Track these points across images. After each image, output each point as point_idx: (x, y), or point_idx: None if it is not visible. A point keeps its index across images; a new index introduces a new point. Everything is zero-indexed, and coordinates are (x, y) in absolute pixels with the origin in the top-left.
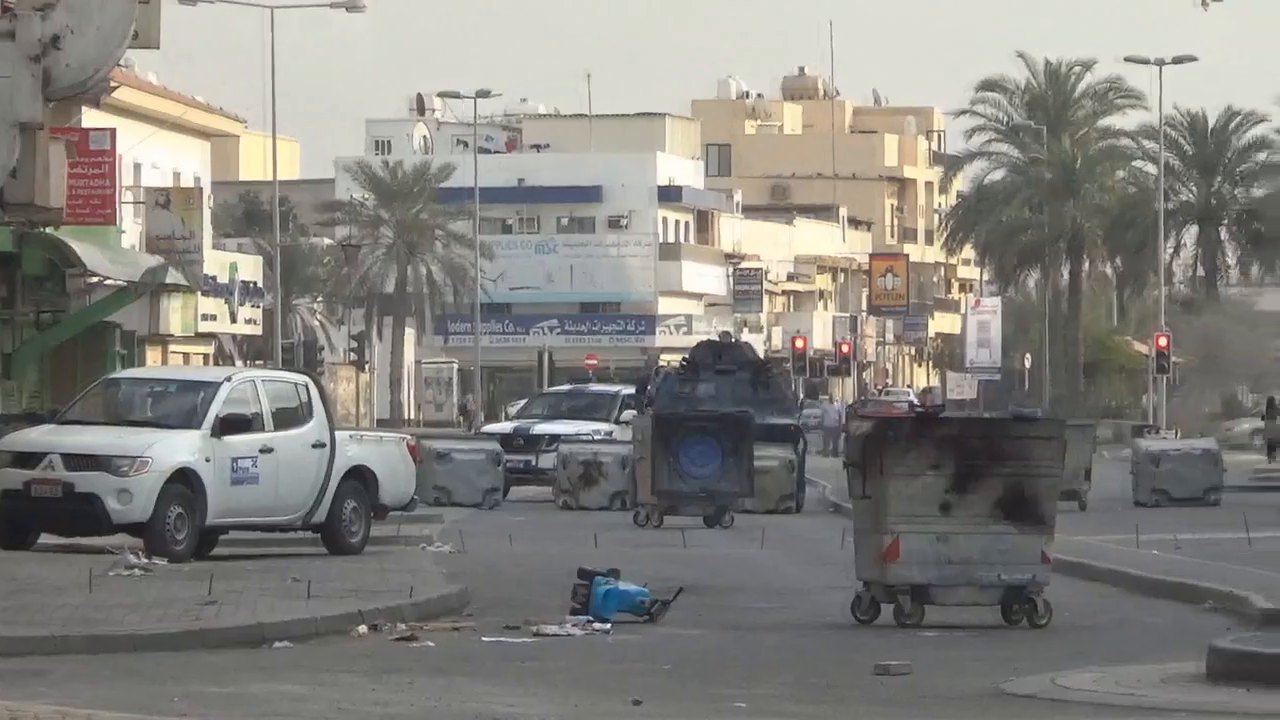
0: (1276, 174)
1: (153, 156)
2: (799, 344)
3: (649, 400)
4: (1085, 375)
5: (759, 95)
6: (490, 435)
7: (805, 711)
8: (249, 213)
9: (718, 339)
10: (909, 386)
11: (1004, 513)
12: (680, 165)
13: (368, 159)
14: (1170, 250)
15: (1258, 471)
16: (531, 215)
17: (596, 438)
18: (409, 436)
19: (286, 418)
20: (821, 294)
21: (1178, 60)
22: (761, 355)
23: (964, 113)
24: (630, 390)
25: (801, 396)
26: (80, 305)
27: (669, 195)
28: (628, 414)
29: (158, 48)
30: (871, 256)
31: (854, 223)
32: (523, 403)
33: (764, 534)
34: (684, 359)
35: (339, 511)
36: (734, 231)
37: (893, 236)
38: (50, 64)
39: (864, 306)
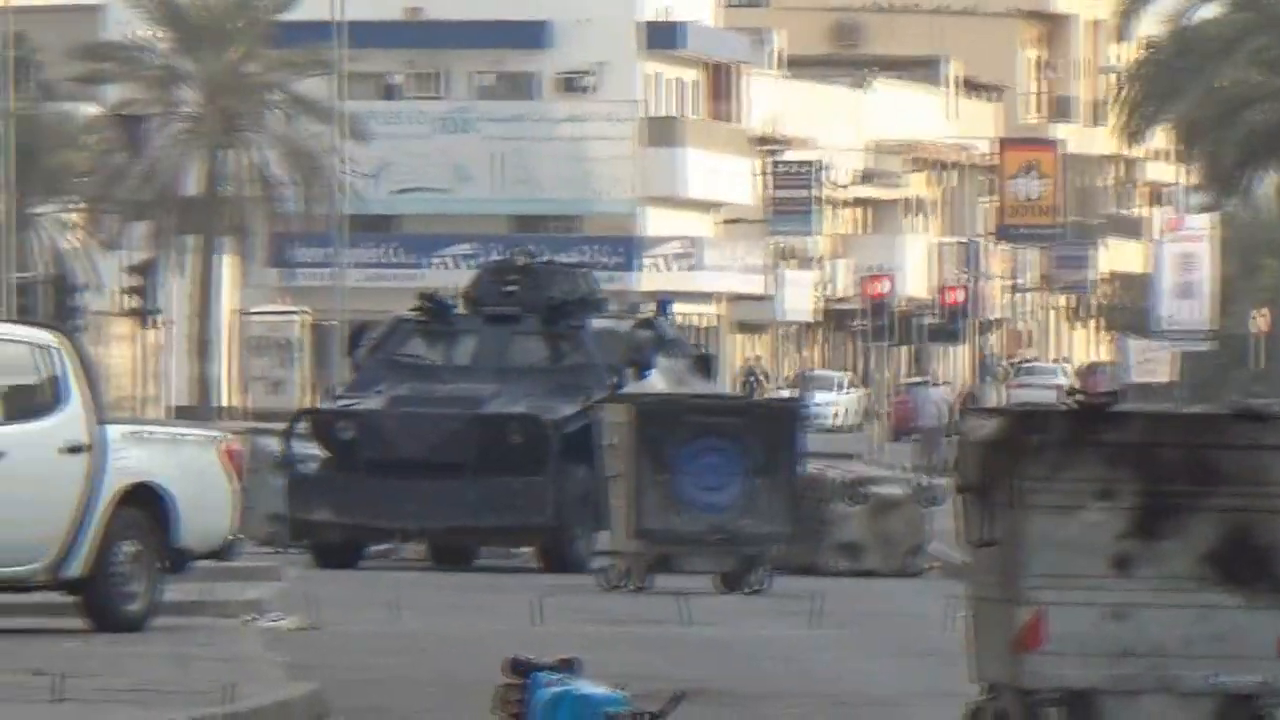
0: None
1: None
2: (879, 289)
3: (355, 370)
4: None
5: None
6: None
7: None
8: None
9: (513, 258)
10: (1062, 360)
11: (1221, 572)
12: None
13: None
14: None
15: None
16: (432, 70)
17: None
18: (227, 435)
19: (21, 404)
20: (918, 206)
21: None
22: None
23: None
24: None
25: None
26: None
27: (662, 39)
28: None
29: None
30: (1002, 144)
31: (972, 88)
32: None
33: (819, 604)
34: (421, 295)
35: (109, 559)
36: (771, 101)
37: (1037, 111)
38: None
39: (988, 228)
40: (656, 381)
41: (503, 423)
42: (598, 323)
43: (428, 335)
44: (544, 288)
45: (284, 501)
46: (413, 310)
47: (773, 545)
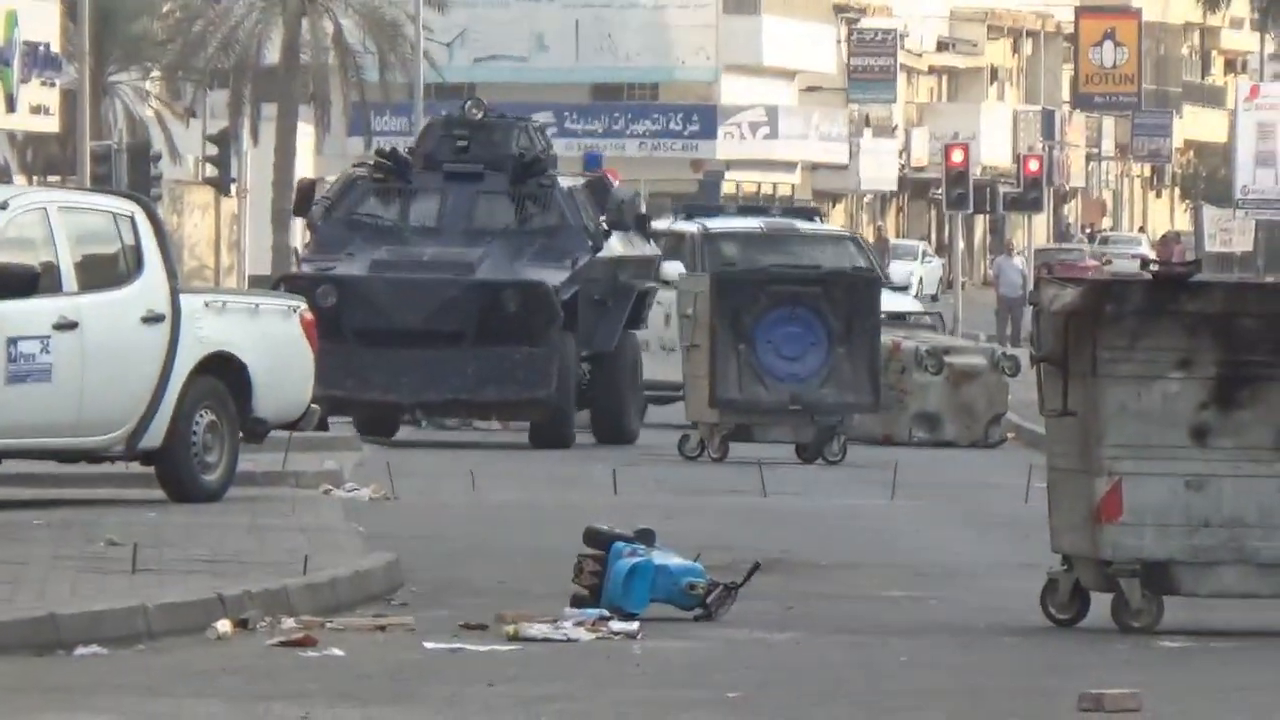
0: None
1: None
2: (956, 157)
3: (313, 231)
4: None
5: None
6: None
7: None
8: None
9: (466, 112)
10: (1141, 230)
11: None
12: None
13: None
14: None
15: None
16: None
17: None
18: (305, 305)
19: (99, 272)
20: (995, 74)
21: None
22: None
23: None
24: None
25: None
26: None
27: None
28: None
29: None
30: (1079, 12)
31: None
32: None
33: (896, 474)
34: (379, 152)
35: (185, 430)
36: None
37: None
38: None
39: (1066, 96)
40: (615, 244)
41: (504, 289)
42: (563, 180)
43: (386, 194)
44: (500, 144)
45: None
46: (357, 165)
47: (853, 415)
